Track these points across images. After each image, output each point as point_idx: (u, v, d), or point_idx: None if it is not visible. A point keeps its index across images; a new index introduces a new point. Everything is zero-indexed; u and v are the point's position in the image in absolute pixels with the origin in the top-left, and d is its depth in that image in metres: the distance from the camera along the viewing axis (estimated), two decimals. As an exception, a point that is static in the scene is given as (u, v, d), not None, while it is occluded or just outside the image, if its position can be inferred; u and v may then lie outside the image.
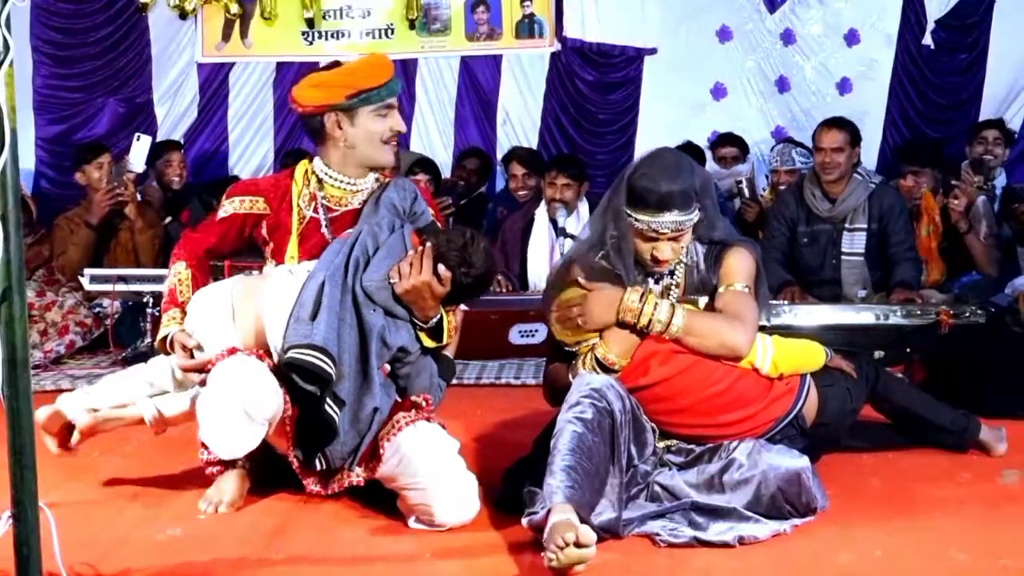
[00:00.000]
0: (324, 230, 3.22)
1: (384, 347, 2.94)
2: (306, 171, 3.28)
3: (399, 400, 3.04)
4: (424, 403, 3.05)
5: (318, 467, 2.93)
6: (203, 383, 2.89)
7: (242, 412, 2.76)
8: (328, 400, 2.81)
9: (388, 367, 3.00)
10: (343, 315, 2.87)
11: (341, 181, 3.26)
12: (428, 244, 3.00)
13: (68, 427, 3.11)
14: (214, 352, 2.92)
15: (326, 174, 3.26)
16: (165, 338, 3.10)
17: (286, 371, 2.81)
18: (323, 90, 3.20)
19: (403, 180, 3.40)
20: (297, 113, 3.33)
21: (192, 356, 3.03)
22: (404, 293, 2.96)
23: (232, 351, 2.88)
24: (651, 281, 3.09)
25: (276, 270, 3.17)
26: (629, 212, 2.97)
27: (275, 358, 2.90)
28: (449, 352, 3.23)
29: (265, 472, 3.14)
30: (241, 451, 2.83)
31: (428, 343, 3.06)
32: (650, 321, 2.91)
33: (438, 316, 3.05)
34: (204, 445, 3.02)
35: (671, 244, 3.00)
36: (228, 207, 3.27)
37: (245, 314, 3.00)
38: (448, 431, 3.07)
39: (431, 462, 2.92)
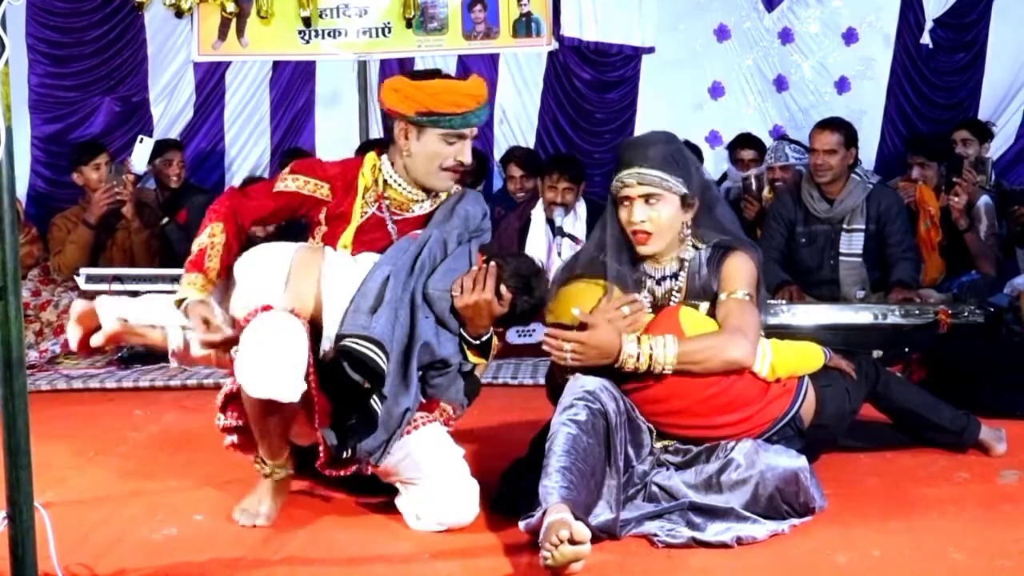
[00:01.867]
0: (391, 228, 3.15)
1: (428, 354, 2.95)
2: (374, 166, 3.18)
3: (424, 401, 3.04)
4: (452, 411, 3.07)
5: (344, 457, 2.90)
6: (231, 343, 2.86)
7: (281, 354, 2.72)
8: (375, 394, 2.81)
9: (421, 373, 3.01)
10: (400, 314, 2.87)
11: (403, 187, 3.18)
12: (494, 263, 3.02)
13: (97, 327, 3.14)
14: (250, 308, 2.86)
15: (390, 176, 3.18)
16: (182, 301, 2.96)
17: (339, 357, 2.80)
18: (399, 96, 3.10)
19: (478, 195, 3.35)
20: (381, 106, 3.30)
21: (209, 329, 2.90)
22: (463, 307, 2.97)
23: (267, 308, 2.83)
24: (652, 283, 3.08)
25: (340, 253, 3.10)
26: (612, 186, 3.00)
27: (324, 339, 2.89)
28: (478, 372, 3.23)
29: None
30: (274, 391, 2.72)
31: (473, 359, 3.08)
32: (650, 367, 2.86)
33: (488, 335, 3.06)
34: (223, 408, 2.98)
35: (646, 208, 2.97)
36: (291, 183, 3.13)
37: (301, 286, 2.95)
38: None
39: (436, 460, 2.93)
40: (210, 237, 3.03)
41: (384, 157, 3.20)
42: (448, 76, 3.23)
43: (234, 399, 2.98)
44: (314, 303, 2.94)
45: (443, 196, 3.22)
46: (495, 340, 3.14)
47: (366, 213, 3.14)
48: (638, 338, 2.87)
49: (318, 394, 2.86)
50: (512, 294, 3.03)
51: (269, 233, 5.11)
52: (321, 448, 2.89)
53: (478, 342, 3.05)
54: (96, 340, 3.16)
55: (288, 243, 3.11)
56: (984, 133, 6.31)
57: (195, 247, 3.03)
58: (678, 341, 2.87)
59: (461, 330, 3.02)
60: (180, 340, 3.04)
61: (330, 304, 2.92)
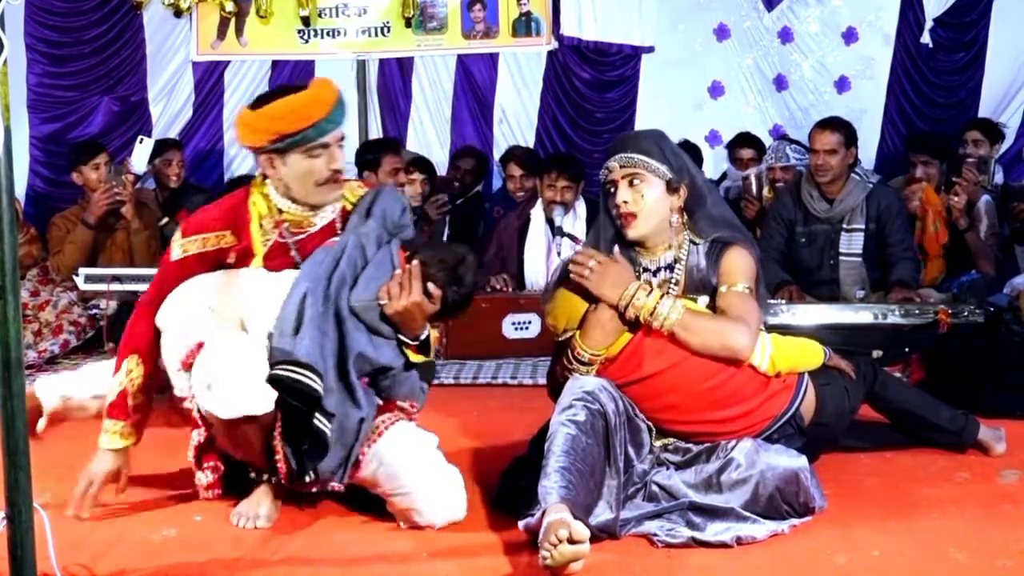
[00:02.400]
0: (293, 253, 3.07)
1: (366, 364, 2.91)
2: (262, 193, 3.09)
3: (381, 403, 3.01)
4: (410, 408, 3.04)
5: (307, 480, 2.88)
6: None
7: (239, 368, 2.71)
8: (317, 414, 2.77)
9: (367, 379, 2.98)
10: (325, 329, 2.81)
11: (295, 208, 3.08)
12: (416, 263, 2.96)
13: (38, 410, 3.04)
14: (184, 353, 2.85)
15: (279, 200, 3.07)
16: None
17: (273, 387, 2.75)
18: (248, 131, 3.03)
19: (394, 190, 3.30)
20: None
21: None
22: (394, 314, 2.92)
23: (200, 345, 2.80)
24: (648, 275, 3.07)
25: (253, 271, 3.03)
26: (600, 174, 3.04)
27: None
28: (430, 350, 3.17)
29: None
30: (248, 406, 2.70)
31: (415, 358, 3.03)
32: (653, 313, 2.88)
33: (426, 334, 3.02)
34: (199, 464, 2.94)
35: (629, 191, 2.99)
36: (191, 247, 3.03)
37: (225, 311, 2.91)
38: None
39: (412, 466, 2.89)
40: (127, 376, 2.98)
41: (268, 182, 3.09)
42: (290, 90, 3.07)
43: (206, 449, 2.93)
44: (234, 324, 2.90)
45: (351, 190, 3.15)
46: (435, 334, 3.10)
47: (268, 241, 3.06)
48: (648, 288, 2.90)
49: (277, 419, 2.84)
50: (441, 289, 2.98)
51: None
52: (280, 463, 2.87)
53: (417, 342, 3.01)
54: (40, 425, 3.05)
55: (202, 276, 3.01)
56: (995, 134, 6.29)
57: (115, 386, 2.98)
58: (685, 309, 2.89)
59: (397, 334, 2.98)
60: None
61: (254, 327, 2.87)
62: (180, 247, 3.04)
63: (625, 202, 2.99)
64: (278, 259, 3.05)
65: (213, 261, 3.05)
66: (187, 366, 2.82)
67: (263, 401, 2.73)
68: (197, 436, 2.91)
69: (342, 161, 3.04)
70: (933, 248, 5.70)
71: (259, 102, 3.05)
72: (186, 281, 2.99)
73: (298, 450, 2.85)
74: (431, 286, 2.95)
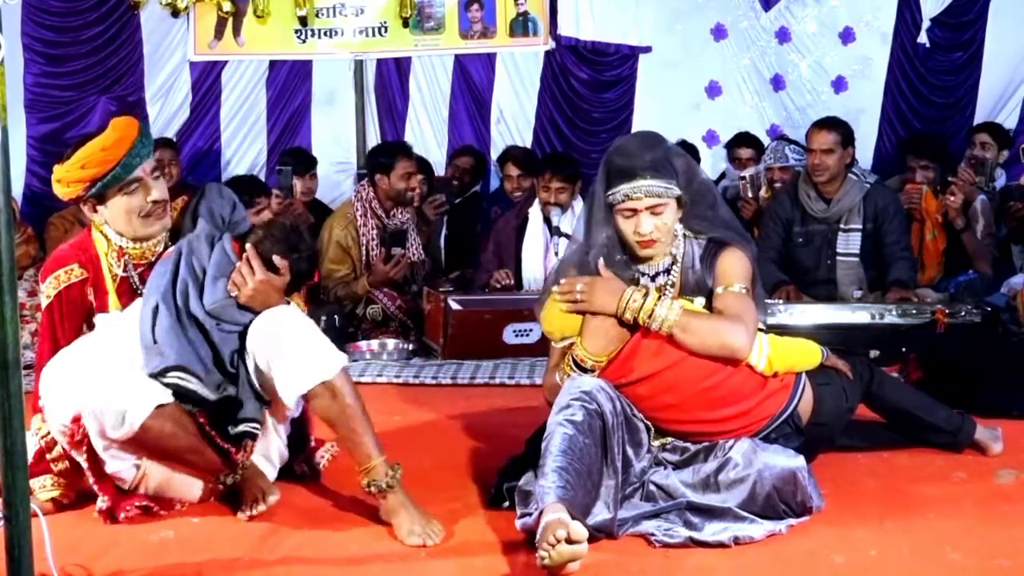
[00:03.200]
0: (136, 286, 3.15)
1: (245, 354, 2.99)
2: (101, 233, 3.16)
3: None
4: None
5: (242, 431, 2.98)
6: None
7: (116, 384, 2.83)
8: (240, 424, 2.95)
9: None
10: (185, 335, 2.93)
11: (133, 244, 3.16)
12: (249, 245, 3.03)
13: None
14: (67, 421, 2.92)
15: (117, 239, 3.15)
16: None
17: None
18: (64, 186, 3.10)
19: (219, 186, 3.35)
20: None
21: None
22: (249, 300, 2.99)
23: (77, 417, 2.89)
24: (646, 280, 3.07)
25: (103, 318, 3.11)
26: (609, 195, 2.98)
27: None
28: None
29: None
30: (144, 403, 2.82)
31: (301, 304, 3.15)
32: (651, 315, 2.88)
33: (288, 304, 3.07)
34: (127, 512, 2.97)
35: (652, 219, 2.97)
36: (50, 289, 3.11)
37: (106, 371, 2.94)
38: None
39: (285, 327, 2.95)
40: (36, 434, 3.04)
41: (104, 224, 3.16)
42: (90, 136, 3.14)
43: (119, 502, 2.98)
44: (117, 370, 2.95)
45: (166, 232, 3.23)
46: (299, 302, 3.18)
47: (116, 277, 3.14)
48: (644, 291, 2.91)
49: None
50: (286, 260, 3.03)
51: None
52: (235, 452, 3.00)
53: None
54: None
55: (61, 355, 3.05)
56: (1004, 139, 6.28)
57: (30, 446, 2.94)
58: (682, 309, 2.90)
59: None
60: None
61: (136, 360, 2.95)
62: (43, 295, 3.14)
63: (650, 232, 2.98)
64: (127, 294, 3.14)
65: (76, 300, 3.12)
66: (72, 437, 2.90)
67: (145, 405, 2.83)
68: (101, 503, 2.97)
69: (161, 191, 3.12)
70: (930, 258, 5.72)
71: (64, 157, 3.12)
72: (54, 363, 3.04)
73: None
74: (276, 259, 3.02)
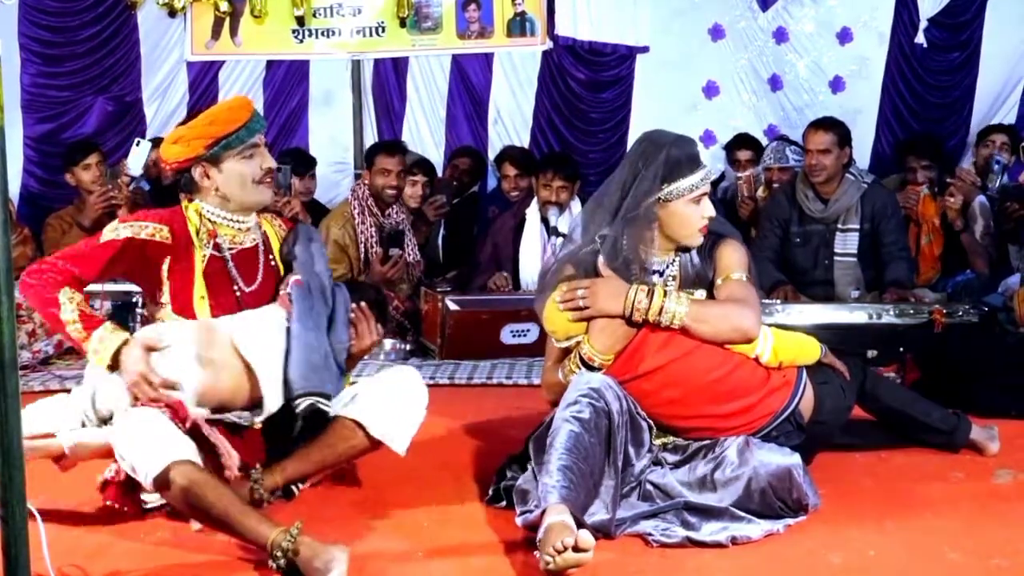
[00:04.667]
0: (231, 267, 3.15)
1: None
2: (196, 211, 3.16)
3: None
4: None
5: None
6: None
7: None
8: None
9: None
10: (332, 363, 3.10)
11: (232, 221, 3.18)
12: (364, 305, 3.26)
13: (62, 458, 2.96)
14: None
15: (214, 214, 3.17)
16: (117, 353, 2.87)
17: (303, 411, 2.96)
18: (183, 144, 3.13)
19: (311, 229, 3.46)
20: (168, 172, 3.33)
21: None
22: (359, 352, 3.26)
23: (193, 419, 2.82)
24: (655, 276, 3.09)
25: (241, 316, 3.09)
26: (671, 187, 3.01)
27: (268, 399, 2.98)
28: None
29: None
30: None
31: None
32: (661, 312, 2.90)
33: None
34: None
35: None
36: (124, 230, 3.03)
37: (215, 361, 2.95)
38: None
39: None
40: (71, 301, 2.91)
41: (198, 201, 3.17)
42: (205, 108, 3.29)
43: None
44: (231, 371, 2.97)
45: (268, 221, 3.30)
46: None
47: (205, 256, 3.12)
48: (648, 290, 2.92)
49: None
50: (382, 326, 3.36)
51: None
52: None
53: None
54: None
55: (176, 325, 3.02)
56: (1016, 144, 6.26)
57: (70, 319, 2.89)
58: (690, 300, 2.94)
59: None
60: (71, 441, 2.89)
61: (261, 365, 2.98)
62: (111, 231, 3.05)
63: (712, 214, 3.09)
64: (216, 276, 3.13)
65: (139, 254, 3.04)
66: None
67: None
68: (109, 472, 2.90)
69: (272, 162, 3.22)
70: (926, 261, 5.72)
71: (183, 122, 3.24)
72: (167, 327, 3.01)
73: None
74: (378, 326, 3.28)
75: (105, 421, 2.90)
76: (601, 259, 3.01)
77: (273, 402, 2.97)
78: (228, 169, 3.13)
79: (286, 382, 2.97)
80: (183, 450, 2.69)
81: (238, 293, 3.15)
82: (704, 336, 2.94)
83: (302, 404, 2.93)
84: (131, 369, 2.84)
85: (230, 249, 3.18)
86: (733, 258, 3.10)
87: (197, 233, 3.13)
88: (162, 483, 2.64)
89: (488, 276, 5.78)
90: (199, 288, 3.10)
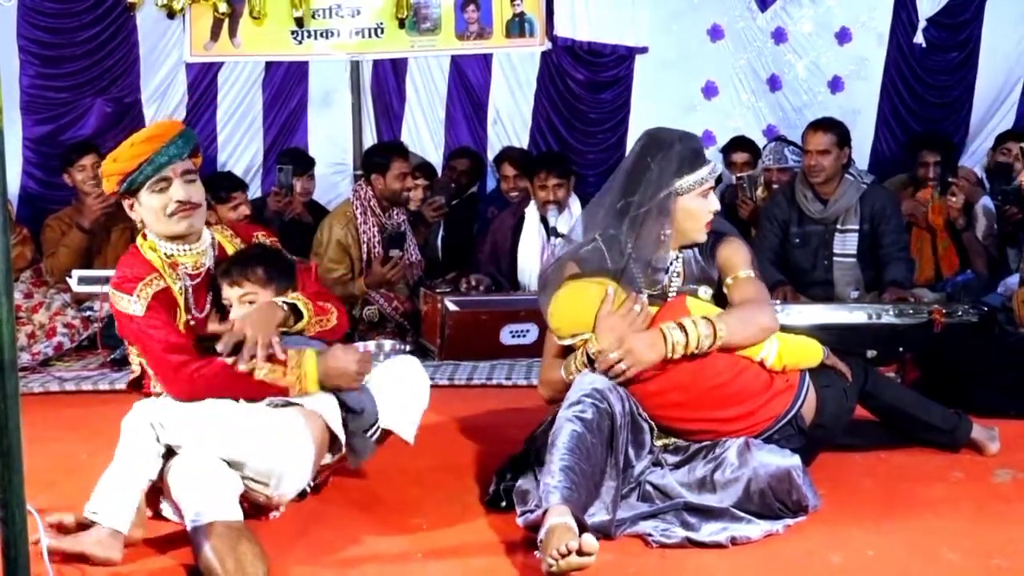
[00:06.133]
0: (188, 288, 3.11)
1: None
2: (149, 247, 3.12)
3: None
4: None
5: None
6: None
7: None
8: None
9: None
10: None
11: (178, 249, 3.12)
12: (260, 273, 3.16)
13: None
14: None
15: (164, 247, 3.11)
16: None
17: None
18: (104, 181, 3.15)
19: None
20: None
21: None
22: (242, 328, 3.07)
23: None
24: (661, 275, 3.11)
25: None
26: (684, 180, 3.06)
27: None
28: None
29: None
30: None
31: None
32: (699, 340, 2.90)
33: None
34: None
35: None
36: (143, 292, 2.99)
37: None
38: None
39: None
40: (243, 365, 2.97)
41: (147, 234, 3.14)
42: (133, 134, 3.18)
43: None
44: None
45: (205, 238, 3.19)
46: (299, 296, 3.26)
47: (183, 289, 3.09)
48: (678, 325, 2.91)
49: None
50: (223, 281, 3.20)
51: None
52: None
53: None
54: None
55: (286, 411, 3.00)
56: None
57: (262, 374, 2.97)
58: (717, 318, 2.95)
59: None
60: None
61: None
62: (137, 300, 3.00)
63: (717, 207, 3.16)
64: (200, 302, 3.12)
65: (168, 306, 3.05)
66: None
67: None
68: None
69: (191, 194, 3.08)
70: (927, 262, 5.72)
71: (111, 150, 3.18)
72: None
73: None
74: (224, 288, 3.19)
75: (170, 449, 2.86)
76: (644, 297, 3.01)
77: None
78: (144, 202, 3.07)
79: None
80: (229, 510, 2.70)
81: (192, 323, 3.09)
82: (739, 345, 2.96)
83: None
84: (346, 368, 3.04)
85: (195, 277, 3.13)
86: (738, 255, 3.14)
87: (163, 267, 3.08)
88: (199, 532, 2.65)
89: (463, 279, 5.73)
90: (179, 321, 3.07)
